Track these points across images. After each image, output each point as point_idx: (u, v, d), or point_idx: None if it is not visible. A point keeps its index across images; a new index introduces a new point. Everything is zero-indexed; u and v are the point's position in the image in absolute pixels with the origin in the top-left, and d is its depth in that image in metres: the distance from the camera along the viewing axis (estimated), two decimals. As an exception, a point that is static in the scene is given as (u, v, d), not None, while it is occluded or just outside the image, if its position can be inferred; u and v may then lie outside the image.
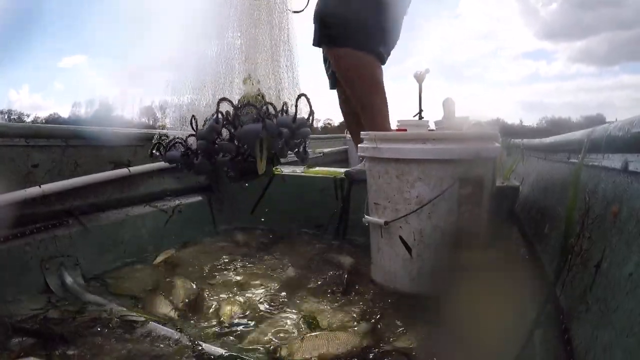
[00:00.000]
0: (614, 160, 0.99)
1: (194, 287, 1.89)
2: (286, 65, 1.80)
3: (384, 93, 2.62)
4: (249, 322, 1.63)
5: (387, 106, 2.63)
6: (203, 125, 1.71)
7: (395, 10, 2.60)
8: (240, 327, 1.59)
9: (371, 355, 1.41)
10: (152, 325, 1.49)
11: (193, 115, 1.73)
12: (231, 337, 1.51)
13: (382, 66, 2.67)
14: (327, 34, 2.56)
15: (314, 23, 2.61)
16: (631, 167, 0.87)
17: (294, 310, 1.72)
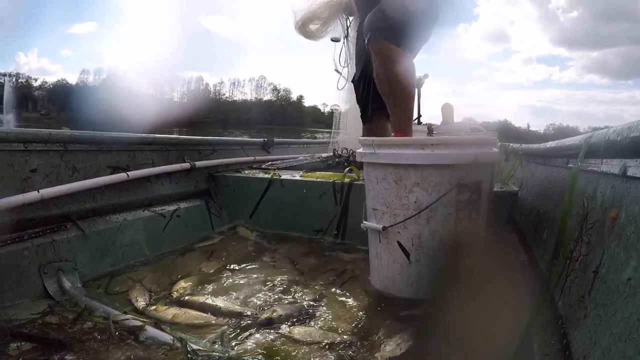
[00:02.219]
0: (613, 165, 0.99)
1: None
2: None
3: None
4: (246, 326, 1.63)
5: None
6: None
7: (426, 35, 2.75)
8: (238, 331, 1.58)
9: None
10: (150, 330, 1.48)
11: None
12: (229, 341, 1.51)
13: None
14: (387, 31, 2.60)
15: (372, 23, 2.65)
16: (630, 172, 0.87)
17: (290, 314, 1.72)
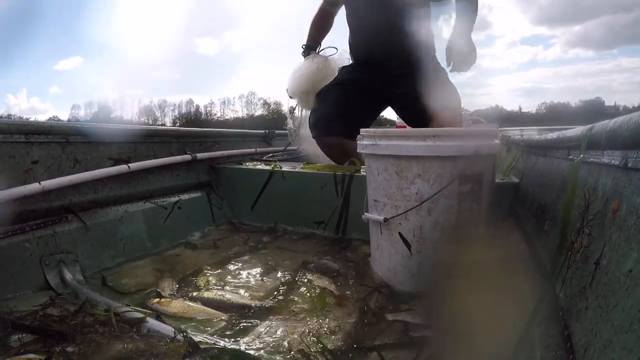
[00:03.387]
0: (614, 157, 0.99)
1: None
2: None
3: None
4: (248, 317, 1.63)
5: None
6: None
7: None
8: (240, 323, 1.59)
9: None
10: (151, 322, 1.49)
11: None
12: (231, 333, 1.51)
13: None
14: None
15: None
16: (630, 164, 0.87)
17: (291, 307, 1.72)
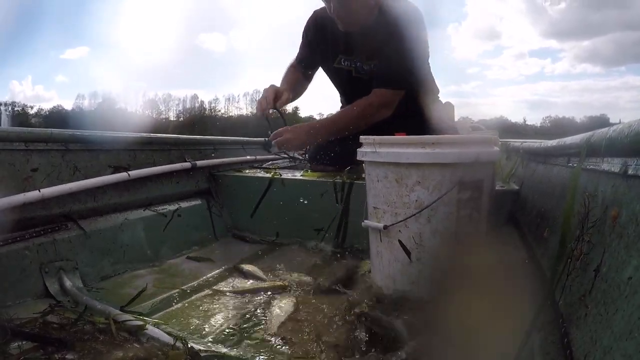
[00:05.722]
0: (613, 164, 0.99)
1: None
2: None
3: None
4: (248, 326, 1.63)
5: None
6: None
7: None
8: (241, 331, 1.59)
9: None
10: (151, 330, 1.48)
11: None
12: (231, 341, 1.51)
13: None
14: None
15: None
16: (630, 171, 0.87)
17: (293, 315, 1.72)
